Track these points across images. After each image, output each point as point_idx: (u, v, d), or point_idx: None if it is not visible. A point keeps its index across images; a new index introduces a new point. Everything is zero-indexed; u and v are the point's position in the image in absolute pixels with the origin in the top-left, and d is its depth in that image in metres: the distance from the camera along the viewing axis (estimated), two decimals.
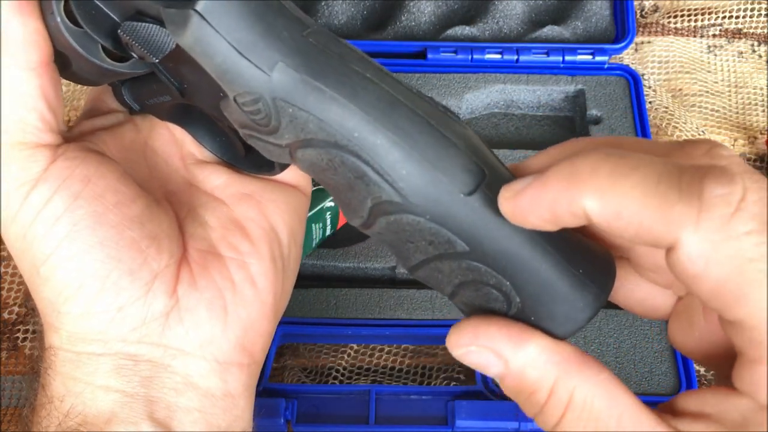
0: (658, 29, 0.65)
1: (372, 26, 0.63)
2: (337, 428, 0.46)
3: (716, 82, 0.63)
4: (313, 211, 0.48)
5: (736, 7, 0.65)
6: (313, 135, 0.24)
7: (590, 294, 0.23)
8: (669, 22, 0.65)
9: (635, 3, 0.66)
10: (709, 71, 0.64)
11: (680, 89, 0.63)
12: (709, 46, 0.65)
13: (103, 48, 0.28)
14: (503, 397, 0.46)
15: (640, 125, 0.57)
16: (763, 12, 0.65)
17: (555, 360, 0.23)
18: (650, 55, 0.64)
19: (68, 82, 0.30)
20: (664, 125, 0.60)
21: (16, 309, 0.52)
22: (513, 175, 0.24)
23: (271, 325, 0.32)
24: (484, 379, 0.47)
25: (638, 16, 0.66)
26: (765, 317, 0.19)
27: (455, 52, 0.60)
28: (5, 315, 0.51)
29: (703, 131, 0.60)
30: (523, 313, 0.24)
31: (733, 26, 0.65)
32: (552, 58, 0.60)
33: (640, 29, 0.65)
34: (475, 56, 0.60)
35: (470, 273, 0.24)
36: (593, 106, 0.58)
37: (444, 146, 0.23)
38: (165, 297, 0.28)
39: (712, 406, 0.21)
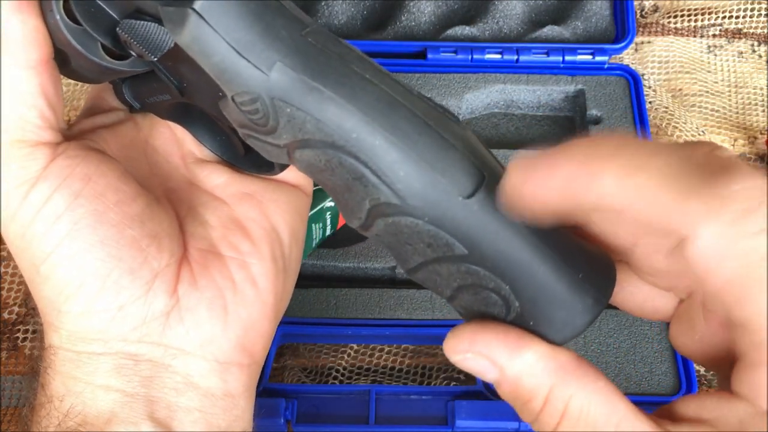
0: (658, 29, 0.65)
1: (372, 26, 0.63)
2: (337, 428, 0.46)
3: (716, 82, 0.63)
4: (313, 211, 0.48)
5: (736, 7, 0.65)
6: (310, 135, 0.24)
7: (590, 298, 0.23)
8: (669, 22, 0.65)
9: (635, 3, 0.66)
10: (709, 71, 0.63)
11: (680, 89, 0.63)
12: (709, 46, 0.65)
13: (103, 46, 0.27)
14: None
15: (640, 125, 0.57)
16: (763, 12, 0.65)
17: (551, 368, 0.22)
18: (650, 55, 0.64)
19: (69, 81, 0.30)
20: (664, 125, 0.60)
21: (16, 309, 0.52)
22: None
23: (271, 325, 0.32)
24: None
25: (638, 16, 0.66)
26: (767, 320, 0.19)
27: (455, 52, 0.60)
28: (5, 315, 0.51)
29: (703, 131, 0.60)
30: (522, 317, 0.23)
31: (733, 26, 0.65)
32: (552, 58, 0.60)
33: (640, 29, 0.65)
34: (475, 56, 0.60)
35: (469, 276, 0.24)
36: (593, 106, 0.58)
37: (443, 148, 0.23)
38: (165, 296, 0.28)
39: (710, 410, 0.21)
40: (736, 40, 0.64)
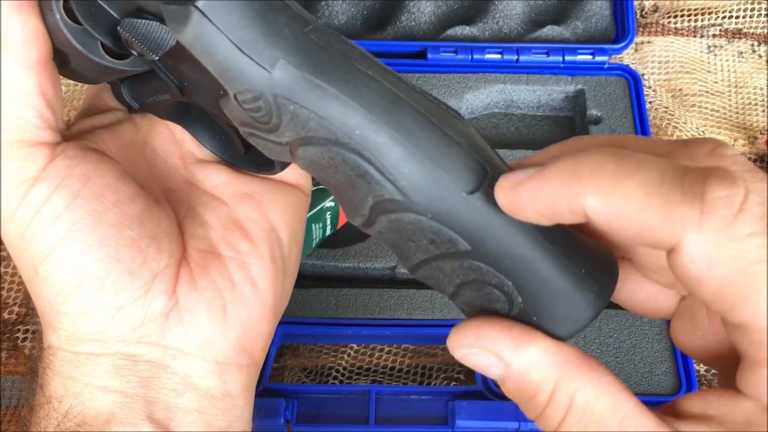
0: (658, 29, 0.65)
1: (372, 26, 0.63)
2: (337, 428, 0.46)
3: (716, 82, 0.63)
4: (313, 211, 0.48)
5: (736, 7, 0.65)
6: (314, 133, 0.24)
7: (592, 293, 0.23)
8: (669, 22, 0.65)
9: (635, 3, 0.66)
10: (709, 71, 0.63)
11: (680, 89, 0.63)
12: (709, 46, 0.65)
13: (103, 45, 0.27)
14: (503, 397, 0.46)
15: (640, 125, 0.57)
16: (763, 12, 0.65)
17: (556, 362, 0.22)
18: (650, 55, 0.64)
19: (68, 81, 0.30)
20: (664, 125, 0.60)
21: (16, 309, 0.52)
22: None
23: (270, 325, 0.32)
24: (484, 379, 0.47)
25: (638, 16, 0.66)
26: (767, 320, 0.19)
27: (455, 52, 0.60)
28: (5, 315, 0.51)
29: (703, 131, 0.60)
30: (525, 313, 0.23)
31: (733, 26, 0.65)
32: (552, 58, 0.60)
33: (640, 29, 0.65)
34: (475, 56, 0.60)
35: (472, 273, 0.24)
36: (593, 106, 0.58)
37: (446, 144, 0.23)
38: (164, 297, 0.28)
39: (715, 408, 0.21)
40: (736, 40, 0.64)
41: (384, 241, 0.25)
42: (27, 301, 0.52)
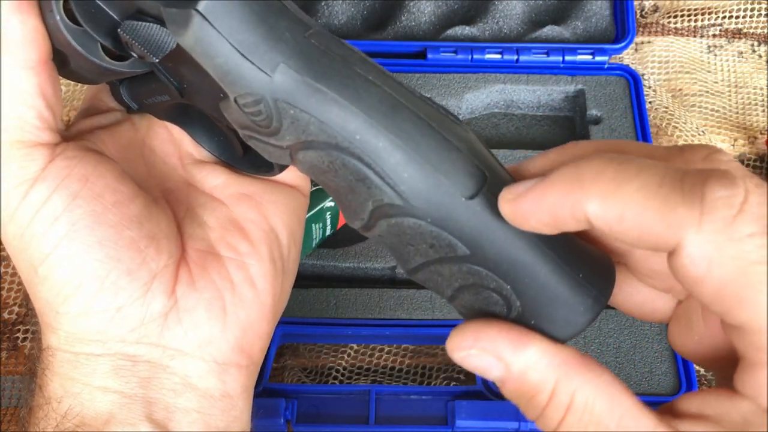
0: (658, 29, 0.65)
1: (372, 26, 0.63)
2: (337, 428, 0.46)
3: (716, 82, 0.63)
4: (313, 211, 0.48)
5: (736, 7, 0.65)
6: (314, 137, 0.24)
7: (590, 297, 0.23)
8: (669, 22, 0.65)
9: (635, 3, 0.66)
10: (709, 71, 0.63)
11: (680, 89, 0.63)
12: (709, 46, 0.64)
13: (103, 47, 0.27)
14: (503, 397, 0.46)
15: (640, 125, 0.57)
16: (763, 12, 0.65)
17: (556, 362, 0.23)
18: (650, 55, 0.64)
19: (68, 81, 0.30)
20: (664, 125, 0.60)
21: (16, 309, 0.52)
22: (513, 178, 0.24)
23: (270, 326, 0.32)
24: (484, 379, 0.47)
25: (638, 16, 0.66)
26: (767, 321, 0.19)
27: (455, 52, 0.60)
28: (5, 315, 0.51)
29: (703, 131, 0.60)
30: (523, 316, 0.24)
31: (733, 26, 0.65)
32: (552, 58, 0.60)
33: (640, 29, 0.65)
34: (475, 56, 0.60)
35: (471, 276, 0.24)
36: (593, 106, 0.58)
37: (446, 149, 0.23)
38: (164, 297, 0.28)
39: (714, 408, 0.21)
40: (736, 40, 0.64)
41: (383, 244, 0.25)
42: (27, 301, 0.52)
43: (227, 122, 0.27)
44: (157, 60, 0.26)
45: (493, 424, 0.45)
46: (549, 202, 0.21)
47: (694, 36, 0.65)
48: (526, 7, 0.62)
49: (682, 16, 0.65)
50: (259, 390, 0.46)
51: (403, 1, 0.61)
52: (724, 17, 0.65)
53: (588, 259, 0.24)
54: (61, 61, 0.28)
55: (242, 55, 0.24)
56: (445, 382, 0.50)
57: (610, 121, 0.58)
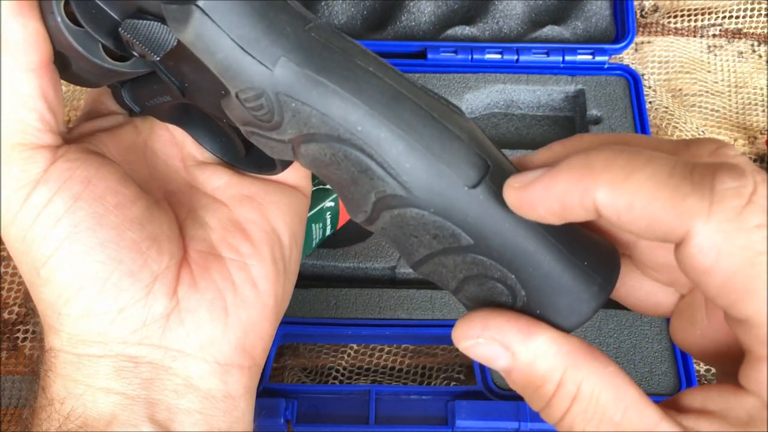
0: (658, 29, 0.65)
1: (372, 26, 0.63)
2: (337, 428, 0.46)
3: (716, 82, 0.63)
4: (313, 211, 0.48)
5: (736, 7, 0.65)
6: (316, 129, 0.24)
7: (595, 285, 0.23)
8: (669, 22, 0.65)
9: (635, 3, 0.66)
10: (709, 71, 0.63)
11: (680, 89, 0.63)
12: (709, 46, 0.65)
13: (104, 47, 0.27)
14: (503, 397, 0.46)
15: (640, 125, 0.57)
16: (763, 12, 0.65)
17: (564, 352, 0.23)
18: (650, 55, 0.64)
19: (67, 82, 0.30)
20: (664, 125, 0.60)
21: (16, 309, 0.52)
22: (516, 167, 0.24)
23: (272, 327, 0.32)
24: (484, 379, 0.47)
25: (638, 16, 0.66)
26: None
27: (455, 52, 0.60)
28: (5, 315, 0.51)
29: (703, 131, 0.60)
30: (529, 306, 0.24)
31: (733, 26, 0.65)
32: (552, 58, 0.60)
33: (640, 29, 0.65)
34: (475, 56, 0.60)
35: (475, 267, 0.24)
36: (593, 106, 0.58)
37: (448, 139, 0.23)
38: (165, 298, 0.28)
39: (717, 403, 0.21)
40: (736, 40, 0.64)
41: (387, 238, 0.25)
42: (27, 301, 0.52)
43: (229, 121, 0.27)
44: (159, 58, 0.26)
45: (493, 424, 0.45)
46: (558, 189, 0.21)
47: (694, 36, 0.65)
48: (526, 7, 0.62)
49: (682, 16, 0.65)
50: (260, 390, 0.46)
51: (403, 1, 0.61)
52: (724, 17, 0.65)
53: (592, 247, 0.24)
54: (63, 64, 0.28)
55: (243, 49, 0.24)
56: (445, 382, 0.50)
57: (610, 121, 0.58)
